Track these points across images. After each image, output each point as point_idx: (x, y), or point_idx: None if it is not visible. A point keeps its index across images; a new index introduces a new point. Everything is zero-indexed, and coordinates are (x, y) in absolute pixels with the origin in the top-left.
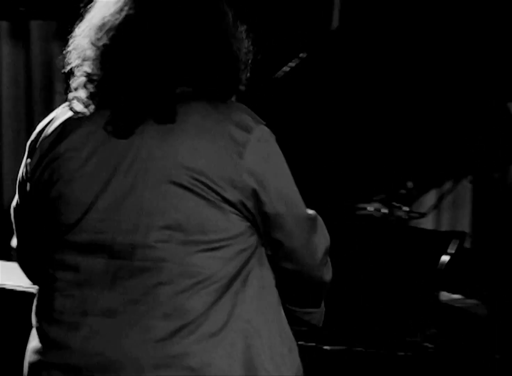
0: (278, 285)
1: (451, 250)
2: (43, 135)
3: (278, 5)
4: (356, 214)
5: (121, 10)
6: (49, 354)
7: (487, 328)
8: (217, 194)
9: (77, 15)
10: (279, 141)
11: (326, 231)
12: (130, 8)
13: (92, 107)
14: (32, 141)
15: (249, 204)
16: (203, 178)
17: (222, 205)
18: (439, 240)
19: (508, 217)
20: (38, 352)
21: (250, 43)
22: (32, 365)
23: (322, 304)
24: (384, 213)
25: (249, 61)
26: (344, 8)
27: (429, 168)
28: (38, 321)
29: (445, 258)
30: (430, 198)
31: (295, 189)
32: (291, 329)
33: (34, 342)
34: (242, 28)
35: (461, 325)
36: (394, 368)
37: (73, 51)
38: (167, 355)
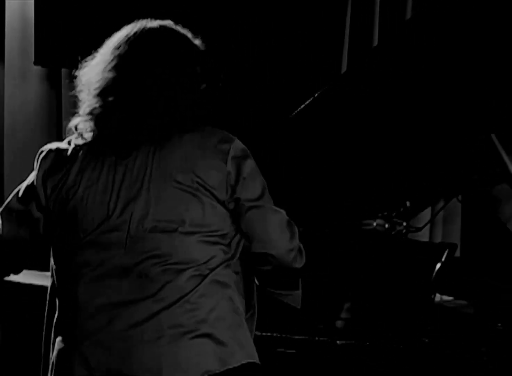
0: (257, 271)
1: (444, 258)
2: (54, 159)
3: (294, 49)
4: (364, 228)
5: (108, 70)
6: (78, 343)
7: (474, 325)
8: (211, 193)
9: None
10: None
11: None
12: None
13: (95, 134)
14: (43, 159)
15: (230, 199)
16: (199, 181)
17: (214, 203)
18: (434, 251)
19: (492, 230)
20: (66, 341)
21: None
22: (60, 352)
23: (299, 287)
24: (386, 228)
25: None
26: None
27: (424, 189)
28: (64, 312)
29: (438, 266)
30: (425, 214)
31: (264, 185)
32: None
33: (60, 332)
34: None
35: (452, 322)
36: (398, 358)
37: (78, 94)
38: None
